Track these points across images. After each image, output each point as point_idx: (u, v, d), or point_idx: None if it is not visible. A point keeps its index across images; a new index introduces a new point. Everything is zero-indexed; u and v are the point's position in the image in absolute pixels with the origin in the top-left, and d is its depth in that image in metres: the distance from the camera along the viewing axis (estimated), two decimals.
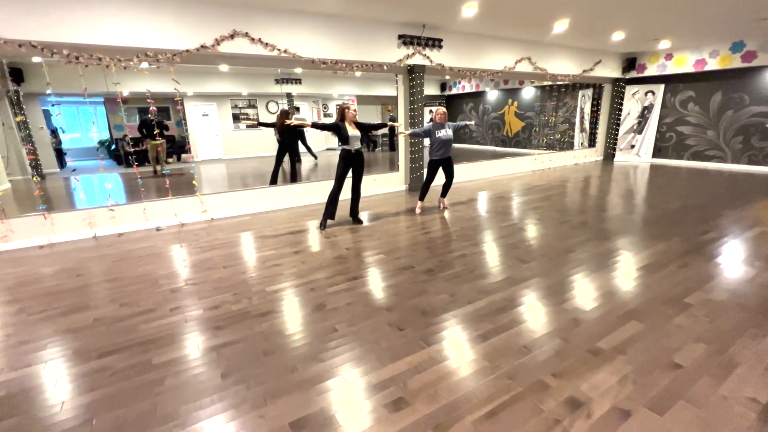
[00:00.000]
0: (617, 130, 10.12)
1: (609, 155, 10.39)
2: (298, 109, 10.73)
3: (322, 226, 4.64)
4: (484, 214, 5.19)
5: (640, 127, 9.81)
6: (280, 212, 5.59)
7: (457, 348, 2.24)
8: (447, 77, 13.90)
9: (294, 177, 6.80)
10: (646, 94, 9.60)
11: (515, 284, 3.05)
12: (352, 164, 4.61)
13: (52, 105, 4.48)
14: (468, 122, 5.43)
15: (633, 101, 9.79)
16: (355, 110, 4.55)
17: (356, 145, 4.54)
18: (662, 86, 9.33)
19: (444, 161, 5.17)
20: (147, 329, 2.53)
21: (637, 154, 9.96)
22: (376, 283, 3.13)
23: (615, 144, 10.23)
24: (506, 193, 6.55)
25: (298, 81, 11.30)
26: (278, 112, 6.77)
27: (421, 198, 5.38)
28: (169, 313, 2.73)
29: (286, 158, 6.67)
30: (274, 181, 6.40)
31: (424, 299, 2.84)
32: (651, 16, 5.92)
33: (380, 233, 4.47)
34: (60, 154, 9.56)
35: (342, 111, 4.49)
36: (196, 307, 2.82)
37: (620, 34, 7.10)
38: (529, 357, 2.14)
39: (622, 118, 9.99)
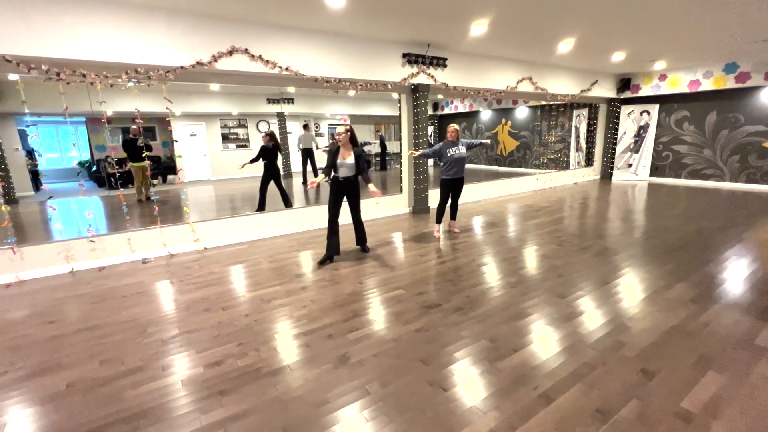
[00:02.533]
0: (614, 150, 10.13)
1: (607, 174, 10.36)
2: (306, 126, 10.28)
3: (324, 262, 4.10)
4: (499, 240, 4.89)
5: (636, 146, 9.83)
6: (279, 240, 5.17)
7: (520, 415, 1.86)
8: (440, 97, 13.91)
9: (287, 202, 6.22)
10: (641, 113, 9.66)
11: (559, 325, 2.71)
12: (342, 193, 4.04)
13: (28, 126, 4.02)
14: (483, 140, 5.15)
15: (629, 121, 9.83)
16: (341, 132, 3.85)
17: (345, 172, 3.93)
18: (657, 106, 9.41)
19: (456, 181, 4.88)
20: (135, 397, 2.06)
21: (635, 173, 9.94)
22: (402, 327, 2.74)
23: (612, 163, 10.22)
24: (515, 216, 6.29)
25: (290, 100, 11.07)
26: (266, 134, 6.01)
27: (438, 221, 5.06)
28: (162, 374, 2.27)
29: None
30: (262, 209, 5.79)
31: (462, 347, 2.46)
32: (651, 36, 5.90)
33: (393, 263, 4.10)
34: (35, 176, 8.95)
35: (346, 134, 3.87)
36: (194, 363, 2.37)
37: (620, 54, 7.09)
38: (610, 426, 1.77)
39: (618, 137, 10.01)
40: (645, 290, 3.25)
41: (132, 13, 3.83)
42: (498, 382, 2.11)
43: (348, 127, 3.90)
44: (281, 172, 6.14)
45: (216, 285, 3.62)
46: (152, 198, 4.76)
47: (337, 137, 3.87)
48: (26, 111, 3.93)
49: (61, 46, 3.55)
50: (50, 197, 4.37)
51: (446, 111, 14.76)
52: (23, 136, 8.64)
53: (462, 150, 4.77)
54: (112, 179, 9.18)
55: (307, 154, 9.70)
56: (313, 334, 2.66)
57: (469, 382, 2.11)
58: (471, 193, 7.80)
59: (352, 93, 6.41)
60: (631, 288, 3.31)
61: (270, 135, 5.96)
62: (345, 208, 4.21)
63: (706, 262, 3.85)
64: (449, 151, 4.74)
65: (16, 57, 3.39)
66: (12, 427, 1.87)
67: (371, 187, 3.93)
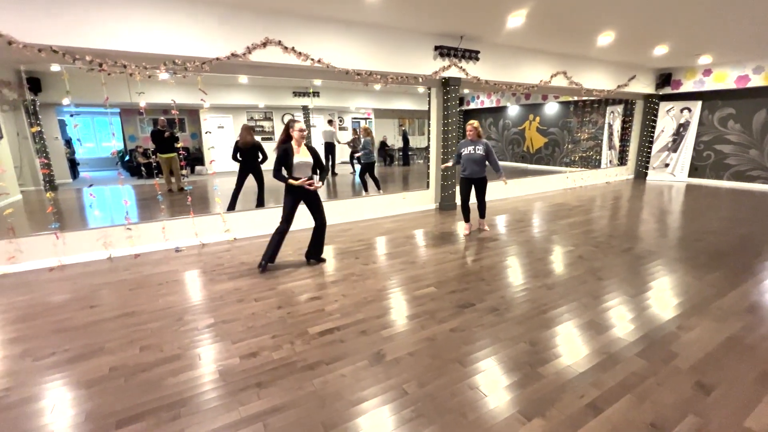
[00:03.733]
0: (650, 148, 9.67)
1: (641, 174, 9.92)
2: (330, 122, 10.37)
3: (261, 267, 3.72)
4: (532, 239, 4.74)
5: (675, 145, 9.36)
6: (305, 233, 5.13)
7: (567, 425, 1.77)
8: (466, 91, 13.64)
9: (262, 201, 5.70)
10: (681, 110, 9.18)
11: (602, 331, 2.59)
12: (301, 197, 3.65)
13: (71, 115, 4.16)
14: (502, 175, 4.68)
15: (667, 118, 9.36)
16: (302, 130, 3.45)
17: (306, 173, 3.58)
18: (699, 103, 8.91)
19: (474, 180, 4.73)
20: (174, 385, 2.09)
21: (672, 173, 9.48)
22: (435, 326, 2.68)
23: (647, 162, 9.77)
24: (546, 215, 6.09)
25: (316, 94, 11.09)
26: (242, 128, 5.54)
27: (465, 219, 4.97)
28: (199, 363, 2.29)
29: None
30: (233, 206, 5.35)
31: (500, 349, 2.38)
32: (699, 28, 5.54)
33: (423, 260, 4.03)
34: (73, 165, 9.33)
35: (287, 129, 3.47)
36: (230, 353, 2.38)
37: (663, 47, 6.73)
38: None
39: (655, 135, 9.55)
40: (694, 297, 3.07)
41: (172, 4, 3.88)
42: (541, 388, 2.02)
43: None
44: (259, 169, 5.71)
45: (247, 276, 3.65)
46: (186, 188, 4.85)
47: (298, 132, 3.44)
48: (68, 102, 4.06)
49: (105, 38, 3.62)
50: (91, 185, 4.52)
51: (472, 106, 14.47)
52: (62, 125, 9.00)
53: (478, 150, 4.60)
54: (143, 169, 9.48)
55: (329, 149, 9.91)
56: (346, 329, 2.64)
57: (510, 387, 2.03)
58: (497, 191, 7.63)
59: (377, 87, 6.33)
60: (678, 294, 3.13)
61: (245, 129, 5.60)
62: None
63: (760, 269, 3.61)
64: (464, 150, 4.63)
65: (62, 48, 3.48)
66: (60, 408, 1.93)
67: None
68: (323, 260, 3.98)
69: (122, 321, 2.81)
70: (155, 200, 5.49)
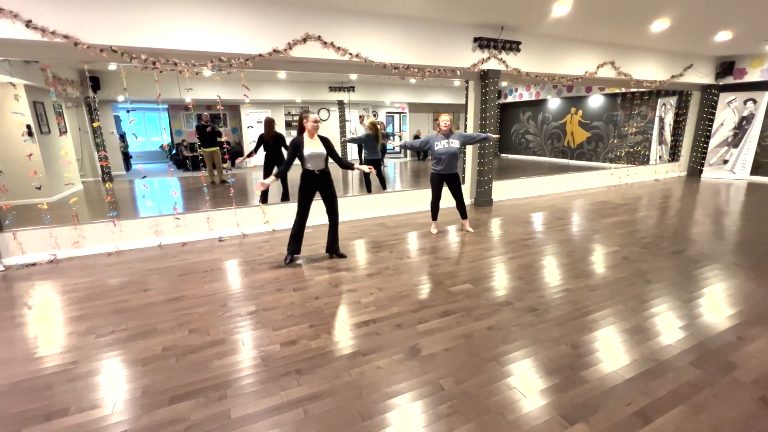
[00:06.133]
0: (706, 143, 8.97)
1: (695, 171, 9.23)
2: (362, 118, 10.43)
3: (287, 260, 3.81)
4: (573, 238, 4.55)
5: (736, 140, 8.62)
6: (341, 226, 5.24)
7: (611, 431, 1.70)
8: (504, 84, 13.22)
9: (286, 194, 5.66)
10: (745, 102, 8.42)
11: (651, 336, 2.45)
12: (315, 187, 3.70)
13: (128, 111, 4.44)
14: (490, 134, 4.55)
15: (728, 110, 8.62)
16: (315, 121, 3.55)
17: (318, 164, 3.62)
18: (766, 93, 8.13)
19: (446, 177, 4.55)
20: (220, 367, 2.20)
21: (731, 171, 8.74)
22: (472, 323, 2.64)
23: (703, 158, 9.07)
24: (588, 213, 5.82)
25: (351, 88, 11.16)
26: (264, 121, 5.62)
27: (433, 218, 4.80)
28: (242, 347, 2.40)
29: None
30: (264, 199, 5.46)
31: (539, 350, 2.31)
32: None
33: (458, 255, 3.99)
34: (126, 158, 10.00)
35: (300, 122, 3.60)
36: (271, 340, 2.47)
37: (727, 33, 6.18)
38: None
39: (713, 129, 8.83)
40: (757, 305, 2.83)
41: (219, 3, 4.03)
42: (584, 392, 1.95)
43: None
44: (282, 160, 5.45)
45: (286, 266, 3.76)
46: (229, 181, 5.06)
47: (312, 123, 3.54)
48: (124, 98, 4.34)
49: (158, 37, 3.84)
50: (144, 176, 4.81)
51: (510, 99, 14.02)
52: (117, 121, 9.66)
53: (453, 144, 4.42)
54: (188, 162, 9.98)
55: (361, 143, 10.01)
56: (381, 322, 2.67)
57: (550, 390, 1.97)
58: (536, 187, 7.38)
59: (413, 81, 6.23)
60: (738, 301, 2.90)
61: (268, 122, 5.62)
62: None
63: None
64: (437, 145, 4.44)
65: (121, 47, 3.72)
66: (119, 382, 2.09)
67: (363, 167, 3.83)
68: (343, 256, 3.97)
69: (172, 305, 2.99)
70: (200, 192, 5.78)
